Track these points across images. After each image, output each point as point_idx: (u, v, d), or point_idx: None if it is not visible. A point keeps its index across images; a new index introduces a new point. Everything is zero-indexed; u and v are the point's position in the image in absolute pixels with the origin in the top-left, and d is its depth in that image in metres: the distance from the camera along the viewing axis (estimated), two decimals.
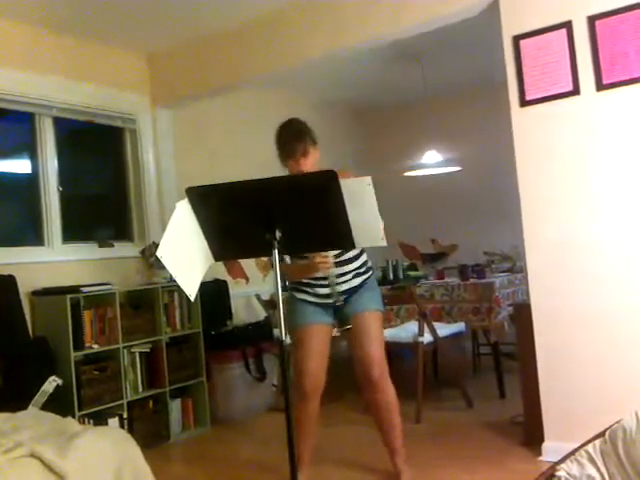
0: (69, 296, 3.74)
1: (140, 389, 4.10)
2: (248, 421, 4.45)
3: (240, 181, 2.19)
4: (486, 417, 4.04)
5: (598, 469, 1.79)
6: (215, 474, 3.54)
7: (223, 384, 4.57)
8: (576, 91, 3.13)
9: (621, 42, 3.00)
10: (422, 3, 3.56)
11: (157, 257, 2.18)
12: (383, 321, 3.14)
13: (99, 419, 3.76)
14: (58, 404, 3.45)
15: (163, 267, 2.27)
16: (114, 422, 3.84)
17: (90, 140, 4.72)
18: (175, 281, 2.23)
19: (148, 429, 4.04)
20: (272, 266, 2.23)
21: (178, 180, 4.86)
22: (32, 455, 2.24)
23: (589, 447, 1.85)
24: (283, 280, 5.32)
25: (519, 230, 3.33)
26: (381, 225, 2.24)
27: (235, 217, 2.25)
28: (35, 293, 3.93)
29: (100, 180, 4.87)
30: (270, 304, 4.95)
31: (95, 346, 3.86)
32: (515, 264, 5.00)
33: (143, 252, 4.48)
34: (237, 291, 5.08)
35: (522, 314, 3.43)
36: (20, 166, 4.37)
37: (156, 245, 2.35)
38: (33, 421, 2.70)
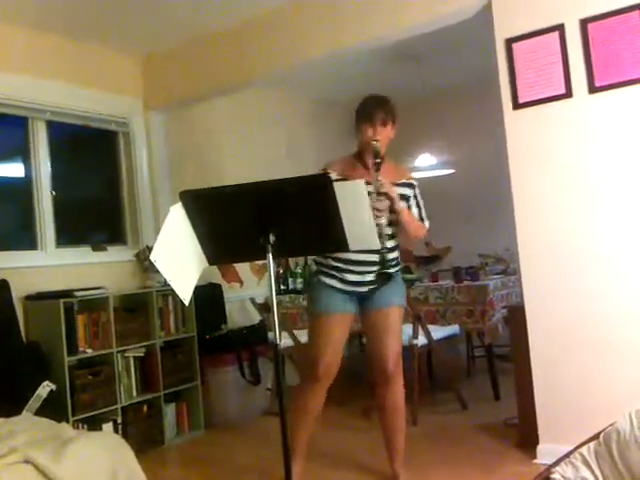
0: (62, 300, 3.72)
1: (134, 393, 4.08)
2: (242, 425, 4.44)
3: (234, 185, 2.19)
4: (481, 419, 4.04)
5: (592, 472, 1.80)
6: (210, 478, 3.53)
7: (217, 388, 4.55)
8: (569, 94, 3.13)
9: (613, 45, 3.01)
10: (421, 3, 3.57)
11: (151, 261, 2.17)
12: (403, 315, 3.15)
13: (93, 424, 3.74)
14: (52, 409, 3.44)
15: (157, 271, 2.26)
16: (108, 427, 3.82)
17: (83, 144, 4.70)
18: (169, 285, 2.23)
19: (142, 434, 4.01)
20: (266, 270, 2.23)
21: (172, 184, 4.85)
22: (26, 461, 2.23)
23: (583, 450, 1.86)
24: (283, 280, 5.34)
25: (513, 232, 3.34)
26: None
27: (229, 221, 2.25)
28: (28, 298, 3.91)
29: (93, 184, 4.84)
30: (264, 308, 4.94)
31: (89, 351, 3.85)
32: (509, 266, 5.01)
33: (137, 256, 4.47)
34: (231, 295, 5.08)
35: (516, 316, 3.44)
36: (13, 170, 4.35)
37: (150, 249, 2.35)
38: (27, 426, 2.68)
